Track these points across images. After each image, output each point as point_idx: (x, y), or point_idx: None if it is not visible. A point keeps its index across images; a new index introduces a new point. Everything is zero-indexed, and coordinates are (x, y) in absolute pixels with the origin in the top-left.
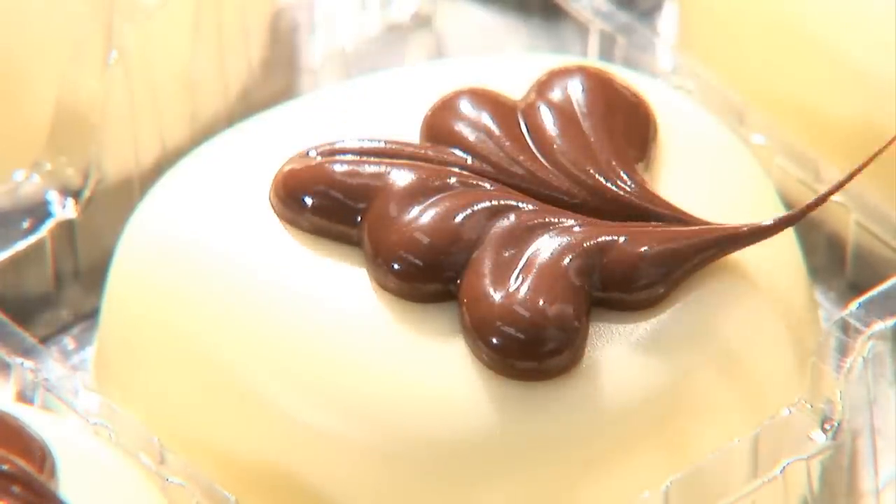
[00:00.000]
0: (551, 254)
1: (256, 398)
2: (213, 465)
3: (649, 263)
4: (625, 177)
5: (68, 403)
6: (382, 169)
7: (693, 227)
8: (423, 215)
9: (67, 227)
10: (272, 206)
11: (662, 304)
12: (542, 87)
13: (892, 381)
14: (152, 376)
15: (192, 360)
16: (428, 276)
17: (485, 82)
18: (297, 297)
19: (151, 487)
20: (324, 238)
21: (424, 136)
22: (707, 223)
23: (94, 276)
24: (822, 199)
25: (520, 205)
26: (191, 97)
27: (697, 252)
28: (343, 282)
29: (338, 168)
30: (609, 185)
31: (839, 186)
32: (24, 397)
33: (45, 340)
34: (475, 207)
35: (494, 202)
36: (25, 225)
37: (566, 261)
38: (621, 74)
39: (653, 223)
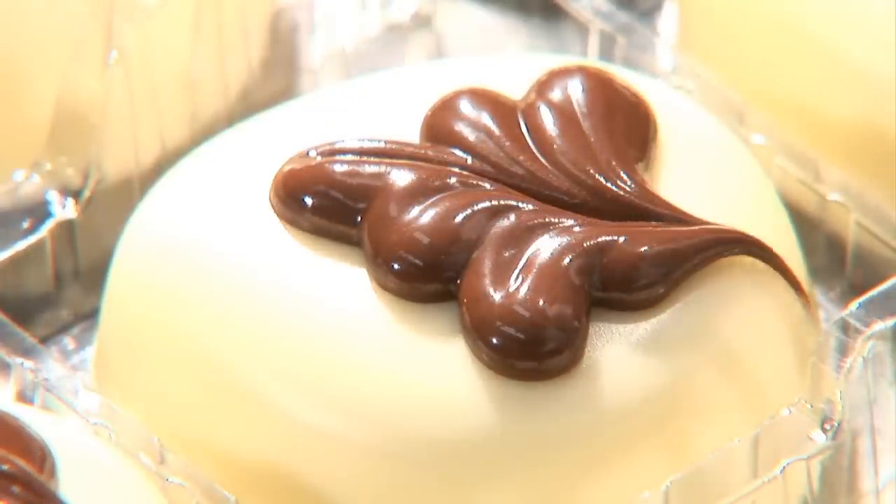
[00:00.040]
0: (551, 254)
1: (256, 398)
2: (213, 465)
3: (649, 263)
4: (625, 177)
5: (68, 403)
6: (382, 169)
7: (693, 227)
8: (423, 215)
9: (67, 227)
10: (272, 206)
11: (662, 304)
12: (542, 87)
13: (892, 381)
14: (152, 376)
15: (192, 360)
16: (428, 276)
17: (485, 82)
18: (297, 297)
19: (151, 487)
20: (324, 238)
21: (424, 136)
22: (707, 223)
23: (94, 276)
24: None
25: (520, 205)
26: (191, 97)
27: (697, 252)
28: (343, 282)
29: (338, 168)
30: (609, 185)
31: None
32: (24, 397)
33: (45, 340)
34: (475, 207)
35: (494, 202)
36: (25, 225)
37: (566, 261)
38: (621, 74)
39: (653, 223)
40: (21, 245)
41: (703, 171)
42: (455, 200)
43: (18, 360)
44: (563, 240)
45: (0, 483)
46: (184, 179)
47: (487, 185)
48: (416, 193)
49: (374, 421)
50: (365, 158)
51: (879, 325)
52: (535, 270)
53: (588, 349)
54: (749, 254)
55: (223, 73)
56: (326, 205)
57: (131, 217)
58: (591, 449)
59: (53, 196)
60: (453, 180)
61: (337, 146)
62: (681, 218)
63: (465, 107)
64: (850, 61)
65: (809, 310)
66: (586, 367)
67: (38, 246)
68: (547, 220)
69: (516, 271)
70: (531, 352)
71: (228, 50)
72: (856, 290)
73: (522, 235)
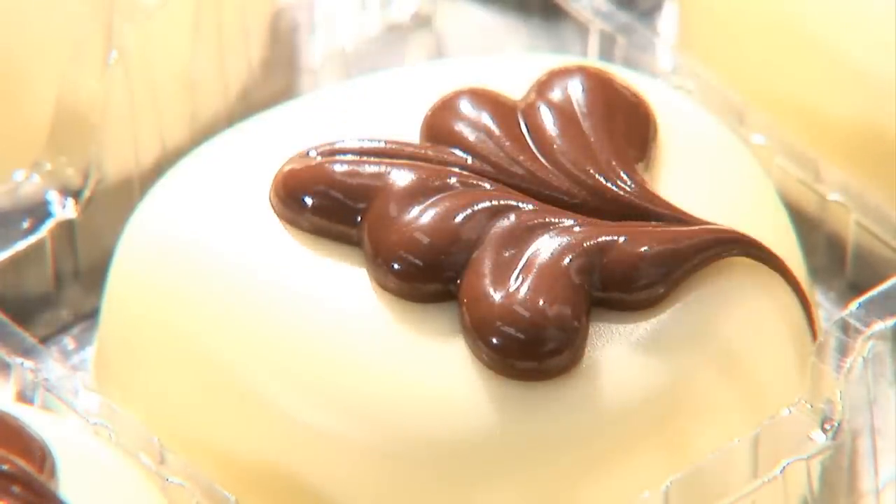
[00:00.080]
0: (551, 254)
1: (256, 398)
2: (213, 465)
3: (649, 263)
4: (625, 177)
5: (68, 403)
6: (382, 169)
7: (693, 227)
8: (423, 215)
9: (67, 227)
10: (272, 206)
11: (662, 304)
12: (542, 87)
13: (892, 381)
14: (152, 376)
15: (192, 360)
16: (428, 276)
17: (485, 82)
18: (297, 297)
19: (151, 487)
20: (324, 238)
21: (424, 136)
22: (707, 223)
23: (94, 276)
24: None
25: (520, 205)
26: (191, 97)
27: (697, 252)
28: (343, 282)
29: (338, 168)
30: (609, 185)
31: None
32: (24, 397)
33: (45, 340)
34: (475, 207)
35: (494, 202)
36: (25, 225)
37: (566, 261)
38: (621, 74)
39: (653, 223)
40: (21, 245)
41: (703, 171)
42: (455, 200)
43: (18, 360)
44: (563, 240)
45: (0, 483)
46: (184, 179)
47: (487, 185)
48: (416, 193)
49: (374, 421)
50: (365, 158)
51: (879, 325)
52: (535, 270)
53: (588, 349)
54: (748, 255)
55: (223, 73)
56: (326, 205)
57: (131, 217)
58: (591, 449)
59: (53, 196)
60: (453, 180)
61: (337, 146)
62: (681, 218)
63: (465, 107)
64: (850, 61)
65: (809, 310)
66: (586, 367)
67: (38, 246)
68: (547, 220)
69: (516, 271)
70: (531, 352)
71: (228, 50)
72: (856, 290)
73: (522, 235)
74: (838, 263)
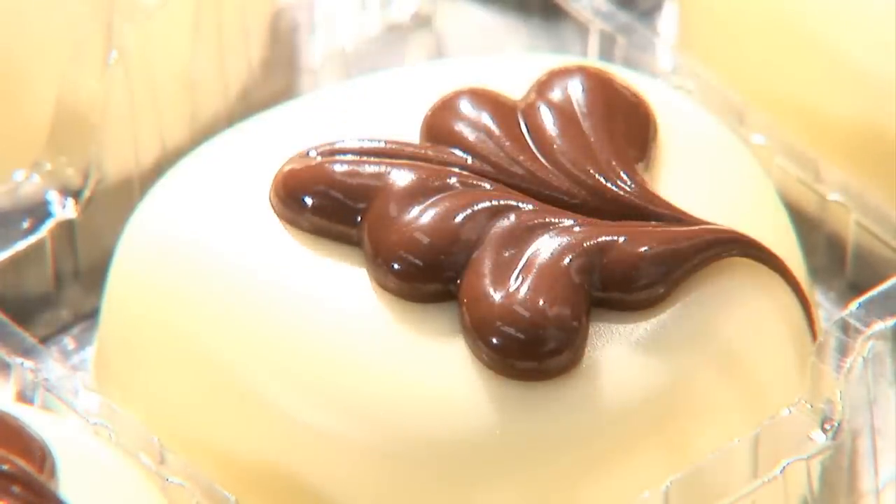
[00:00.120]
0: (551, 254)
1: (256, 398)
2: (213, 465)
3: (649, 263)
4: (625, 177)
5: (68, 403)
6: (382, 169)
7: (693, 227)
8: (423, 215)
9: (67, 227)
10: (272, 206)
11: (662, 304)
12: (542, 87)
13: (892, 381)
14: (152, 376)
15: (192, 360)
16: (428, 276)
17: (485, 82)
18: (297, 297)
19: (151, 487)
20: (324, 238)
21: (424, 136)
22: (707, 223)
23: (94, 276)
24: None
25: (520, 205)
26: (191, 97)
27: (697, 252)
28: (343, 282)
29: (338, 168)
30: (609, 185)
31: None
32: (24, 397)
33: (45, 340)
34: (475, 207)
35: (494, 202)
36: (25, 225)
37: (566, 261)
38: (621, 74)
39: (653, 223)
40: (21, 245)
41: (703, 171)
42: (455, 200)
43: (18, 360)
44: (563, 240)
45: (0, 483)
46: (184, 179)
47: (487, 185)
48: (416, 193)
49: (374, 421)
50: (365, 158)
51: (879, 325)
52: (535, 270)
53: (588, 349)
54: (748, 255)
55: (223, 73)
56: (326, 205)
57: (131, 217)
58: (591, 449)
59: (53, 196)
60: (453, 180)
61: (337, 146)
62: (681, 218)
63: (465, 107)
64: (850, 61)
65: (809, 310)
66: (586, 367)
67: (38, 246)
68: (547, 220)
69: (516, 271)
70: (531, 352)
71: (228, 50)
72: (856, 290)
73: (522, 235)
74: (838, 263)
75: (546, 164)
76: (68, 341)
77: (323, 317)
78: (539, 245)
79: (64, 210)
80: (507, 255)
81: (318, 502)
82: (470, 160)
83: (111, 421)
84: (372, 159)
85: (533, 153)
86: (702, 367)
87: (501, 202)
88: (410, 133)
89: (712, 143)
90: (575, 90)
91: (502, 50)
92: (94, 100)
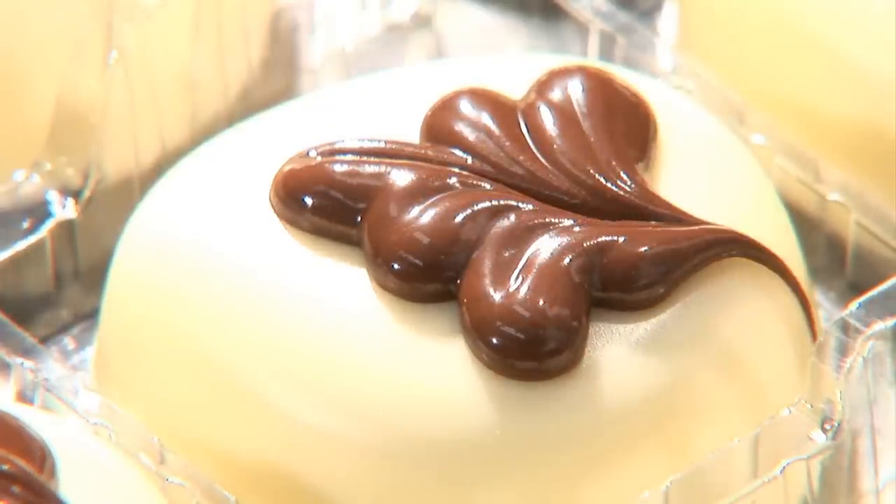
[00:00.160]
0: (551, 254)
1: (256, 398)
2: (213, 465)
3: (649, 263)
4: (625, 177)
5: (68, 403)
6: (382, 169)
7: (693, 227)
8: (423, 215)
9: (67, 227)
10: (272, 206)
11: (662, 304)
12: (542, 87)
13: (892, 381)
14: (152, 376)
15: (192, 360)
16: (428, 276)
17: (485, 82)
18: (297, 297)
19: (151, 487)
20: (324, 238)
21: (424, 136)
22: (707, 223)
23: (94, 276)
24: None
25: (520, 205)
26: (191, 97)
27: (697, 252)
28: (343, 282)
29: (338, 168)
30: (609, 185)
31: None
32: (24, 397)
33: (45, 340)
34: (475, 207)
35: (494, 202)
36: (25, 225)
37: (566, 261)
38: (621, 74)
39: (652, 223)
40: (21, 245)
41: (703, 171)
42: (455, 200)
43: (18, 360)
44: (563, 240)
45: (0, 483)
46: (184, 179)
47: (487, 185)
48: (416, 193)
49: (374, 421)
50: (365, 158)
51: (879, 325)
52: (535, 270)
53: (588, 349)
54: (748, 255)
55: (223, 73)
56: (326, 205)
57: (131, 217)
58: (591, 449)
59: (53, 196)
60: (453, 180)
61: (337, 146)
62: (680, 218)
63: (465, 107)
64: (850, 61)
65: (809, 310)
66: (586, 367)
67: (38, 246)
68: (547, 220)
69: (516, 271)
70: (531, 352)
71: (228, 50)
72: (856, 290)
73: (522, 235)
74: (838, 263)
75: (546, 164)
76: (68, 341)
77: (323, 317)
78: (539, 245)
79: (64, 210)
80: (507, 255)
81: (318, 502)
82: (470, 160)
83: (111, 421)
84: (372, 159)
85: (533, 153)
86: (702, 367)
87: (501, 202)
88: (410, 133)
89: (712, 143)
90: (575, 90)
91: (502, 50)
92: (94, 100)
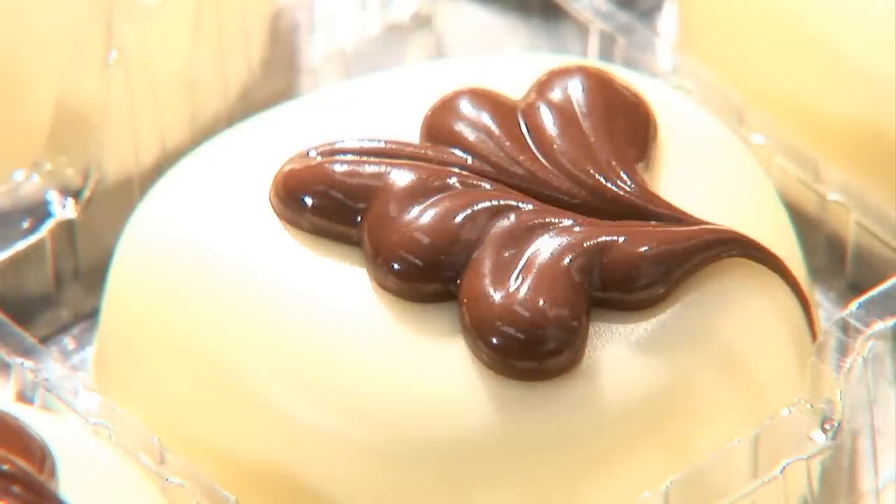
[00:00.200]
0: (551, 254)
1: (256, 398)
2: (213, 465)
3: (649, 263)
4: (625, 177)
5: (68, 403)
6: (382, 169)
7: (693, 227)
8: (423, 215)
9: (67, 227)
10: (272, 206)
11: (662, 304)
12: (542, 87)
13: (892, 381)
14: (152, 376)
15: (192, 360)
16: (428, 276)
17: (485, 82)
18: (297, 297)
19: (151, 487)
20: (324, 238)
21: (424, 136)
22: (707, 223)
23: (94, 276)
24: None
25: (520, 205)
26: (191, 97)
27: (697, 252)
28: (343, 282)
29: (338, 168)
30: (609, 185)
31: None
32: (24, 397)
33: (45, 340)
34: (475, 207)
35: (494, 202)
36: (25, 225)
37: (566, 261)
38: (621, 74)
39: (652, 223)
40: (21, 245)
41: (703, 171)
42: (455, 200)
43: (18, 360)
44: (563, 240)
45: (0, 483)
46: (184, 179)
47: (487, 185)
48: (416, 193)
49: (374, 421)
50: (365, 158)
51: (879, 325)
52: (535, 270)
53: (588, 349)
54: (747, 255)
55: (223, 73)
56: (326, 205)
57: (131, 217)
58: (591, 449)
59: (53, 196)
60: (453, 180)
61: (337, 146)
62: (680, 218)
63: (465, 107)
64: (850, 61)
65: (809, 310)
66: (586, 367)
67: (38, 246)
68: (547, 220)
69: (516, 271)
70: (531, 352)
71: (228, 50)
72: (856, 290)
73: (522, 235)
74: (838, 263)
75: (546, 164)
76: (68, 341)
77: (323, 317)
78: (539, 245)
79: (64, 210)
80: (507, 255)
81: (318, 502)
82: (470, 160)
83: (111, 421)
84: (372, 159)
85: (533, 153)
86: (702, 367)
87: (501, 202)
88: (410, 133)
89: (712, 143)
90: (575, 90)
91: (502, 50)
92: (94, 100)
